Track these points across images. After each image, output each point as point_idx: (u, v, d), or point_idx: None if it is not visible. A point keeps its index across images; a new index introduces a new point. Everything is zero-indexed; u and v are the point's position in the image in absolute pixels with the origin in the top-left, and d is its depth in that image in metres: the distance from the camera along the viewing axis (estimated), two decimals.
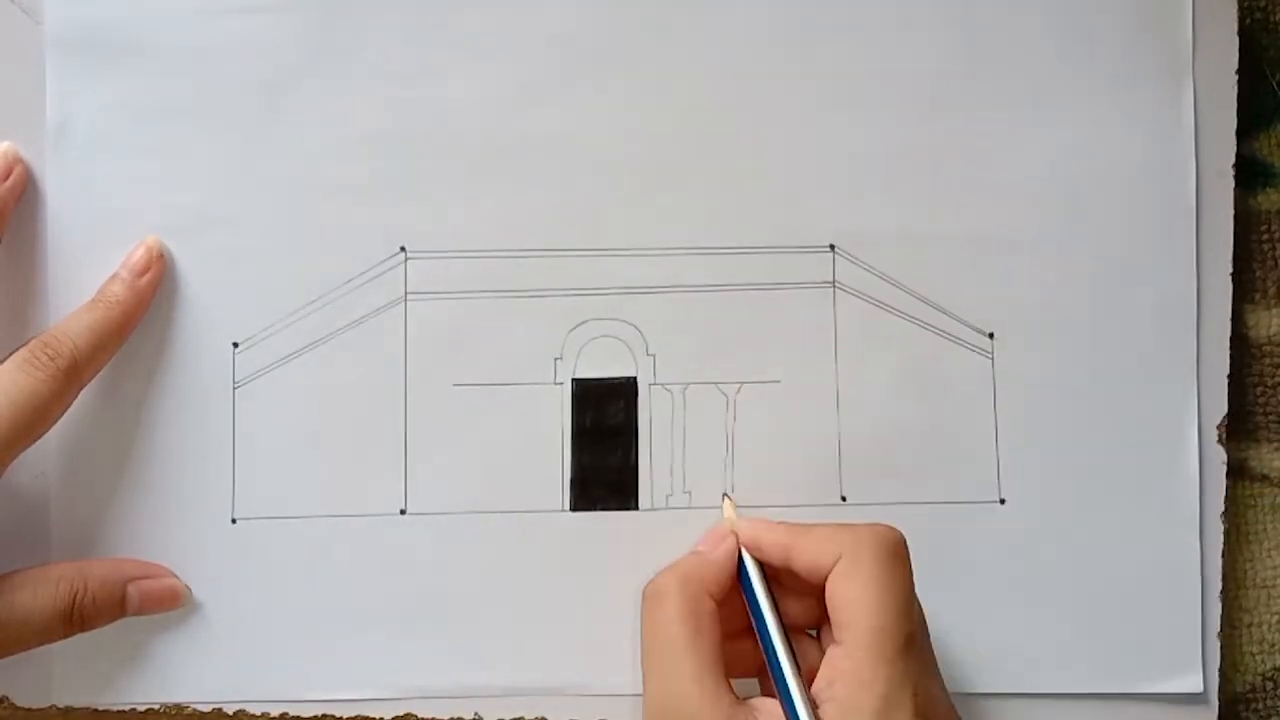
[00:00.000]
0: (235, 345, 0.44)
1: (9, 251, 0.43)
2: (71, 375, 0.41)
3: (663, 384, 0.45)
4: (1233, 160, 0.45)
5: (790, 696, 0.37)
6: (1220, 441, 0.45)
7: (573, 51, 0.45)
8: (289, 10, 0.44)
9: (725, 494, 0.44)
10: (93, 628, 0.42)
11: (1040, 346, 0.45)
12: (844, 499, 0.44)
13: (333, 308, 0.44)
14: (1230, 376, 0.45)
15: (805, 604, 0.40)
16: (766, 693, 0.39)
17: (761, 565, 0.40)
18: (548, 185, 0.45)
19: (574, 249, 0.45)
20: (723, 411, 0.44)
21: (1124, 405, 0.45)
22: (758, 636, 0.39)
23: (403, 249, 0.44)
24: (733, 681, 0.38)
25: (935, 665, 0.39)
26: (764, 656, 0.38)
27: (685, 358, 0.45)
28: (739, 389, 0.45)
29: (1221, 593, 0.45)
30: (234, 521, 0.44)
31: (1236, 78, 0.45)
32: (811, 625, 0.40)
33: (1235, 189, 0.45)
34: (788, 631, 0.39)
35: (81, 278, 0.43)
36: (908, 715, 0.36)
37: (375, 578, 0.44)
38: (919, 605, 0.39)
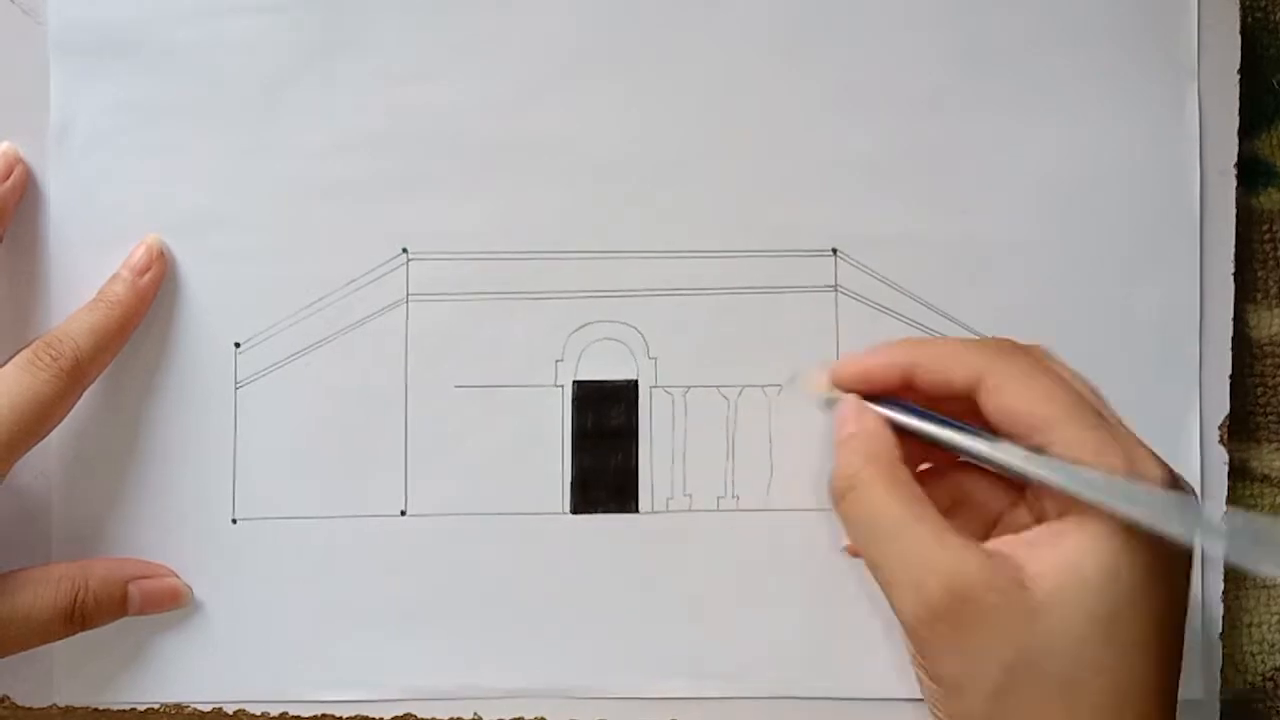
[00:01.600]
0: (237, 345, 0.44)
1: (10, 251, 0.43)
2: (75, 376, 0.41)
3: (664, 387, 0.45)
4: (1234, 160, 0.45)
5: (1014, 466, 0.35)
6: (1222, 442, 0.45)
7: (574, 53, 0.44)
8: (290, 10, 0.44)
9: (793, 380, 0.44)
10: (94, 626, 0.42)
11: None
12: None
13: (334, 308, 0.44)
14: (1231, 377, 0.45)
15: None
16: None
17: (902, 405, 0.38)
18: (550, 187, 0.44)
19: (576, 251, 0.44)
20: (724, 415, 0.44)
21: (1127, 408, 0.43)
22: (950, 451, 0.37)
23: (404, 250, 0.44)
24: None
25: None
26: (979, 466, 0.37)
27: (686, 361, 0.44)
28: (740, 392, 0.44)
29: (1223, 593, 0.45)
30: (235, 522, 0.44)
31: (1239, 78, 0.45)
32: None
33: (1236, 189, 0.45)
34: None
35: (83, 278, 0.43)
36: (1167, 473, 0.35)
37: (375, 579, 0.44)
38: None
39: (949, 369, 0.37)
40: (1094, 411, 0.36)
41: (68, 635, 0.41)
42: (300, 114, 0.44)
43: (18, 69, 0.44)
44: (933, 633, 0.34)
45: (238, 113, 0.44)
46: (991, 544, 0.35)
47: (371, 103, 0.44)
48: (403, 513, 0.44)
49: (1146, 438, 0.44)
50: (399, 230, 0.44)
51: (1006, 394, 0.36)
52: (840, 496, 0.37)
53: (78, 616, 0.41)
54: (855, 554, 0.39)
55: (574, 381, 0.44)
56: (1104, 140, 0.45)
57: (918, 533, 0.35)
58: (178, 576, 0.43)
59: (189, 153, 0.44)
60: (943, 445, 0.37)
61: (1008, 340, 0.38)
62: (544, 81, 0.44)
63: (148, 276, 0.43)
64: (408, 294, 0.44)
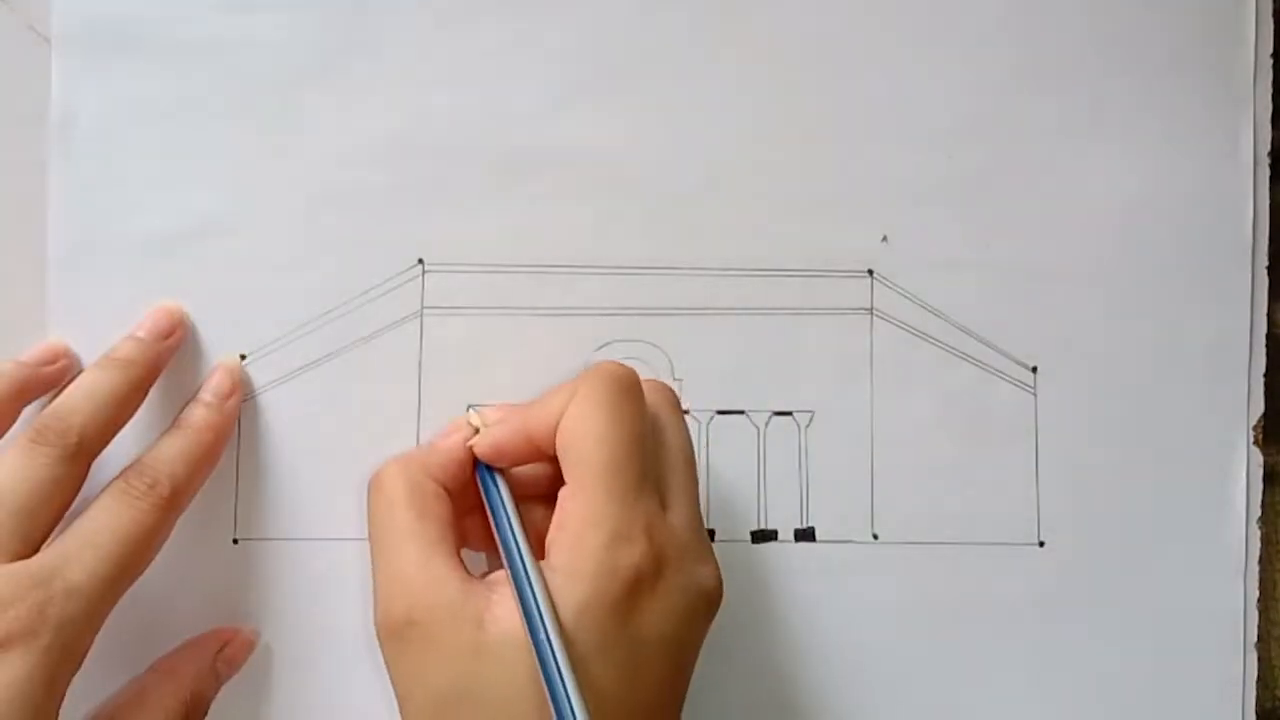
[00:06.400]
0: (243, 357, 0.43)
1: (9, 253, 0.43)
2: (173, 505, 0.40)
3: (690, 412, 0.44)
4: (1268, 156, 0.45)
5: (511, 550, 0.36)
6: (1256, 443, 0.44)
7: (601, 62, 0.44)
8: (308, 10, 0.43)
9: (471, 406, 0.42)
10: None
11: (1087, 382, 0.44)
12: (875, 537, 0.44)
13: (346, 320, 0.43)
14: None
15: (547, 469, 0.39)
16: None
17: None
18: (573, 198, 0.44)
19: (599, 266, 0.44)
20: (751, 440, 0.44)
21: (1173, 446, 0.44)
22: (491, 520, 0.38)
23: (420, 261, 0.43)
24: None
25: (690, 500, 0.38)
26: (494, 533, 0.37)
27: (713, 383, 0.44)
28: (769, 418, 0.44)
29: (1257, 602, 0.44)
30: (235, 542, 0.43)
31: (1273, 70, 0.45)
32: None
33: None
34: (518, 506, 0.38)
35: (84, 281, 0.42)
36: (639, 551, 0.35)
37: None
38: (683, 438, 0.38)
39: (550, 408, 0.37)
40: (631, 479, 0.36)
41: None
42: (315, 117, 0.43)
43: (17, 61, 0.43)
44: (386, 646, 0.36)
45: (248, 114, 0.43)
46: (499, 574, 0.36)
47: (389, 108, 0.43)
48: None
49: (1195, 481, 0.44)
50: (415, 240, 0.43)
51: (566, 422, 0.37)
52: (368, 490, 0.39)
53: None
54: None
55: None
56: (1154, 167, 0.44)
57: (408, 547, 0.36)
58: (239, 629, 0.43)
59: (196, 154, 0.43)
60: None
61: (610, 363, 0.38)
62: (569, 90, 0.44)
63: (232, 401, 0.42)
64: (422, 306, 0.43)
